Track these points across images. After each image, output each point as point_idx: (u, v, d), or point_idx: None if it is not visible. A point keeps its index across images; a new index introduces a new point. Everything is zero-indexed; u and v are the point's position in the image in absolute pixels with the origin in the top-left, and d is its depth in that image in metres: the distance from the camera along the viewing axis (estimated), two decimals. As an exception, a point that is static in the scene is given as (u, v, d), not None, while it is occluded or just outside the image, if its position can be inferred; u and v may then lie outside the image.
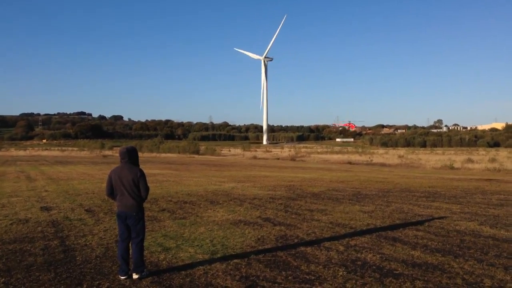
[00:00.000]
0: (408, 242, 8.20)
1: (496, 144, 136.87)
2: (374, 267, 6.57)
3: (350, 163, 50.94)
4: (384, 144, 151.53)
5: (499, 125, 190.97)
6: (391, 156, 63.11)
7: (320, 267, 6.55)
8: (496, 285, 5.80)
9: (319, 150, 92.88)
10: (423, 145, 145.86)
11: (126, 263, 6.01)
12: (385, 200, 14.38)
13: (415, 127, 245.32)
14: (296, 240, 8.33)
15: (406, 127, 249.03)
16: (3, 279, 5.93)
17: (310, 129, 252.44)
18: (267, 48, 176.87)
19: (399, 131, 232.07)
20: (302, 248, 7.68)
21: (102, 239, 8.37)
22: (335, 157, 63.74)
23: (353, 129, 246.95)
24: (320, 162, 54.82)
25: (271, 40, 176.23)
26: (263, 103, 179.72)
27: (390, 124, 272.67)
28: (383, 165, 47.22)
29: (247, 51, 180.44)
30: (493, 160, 47.13)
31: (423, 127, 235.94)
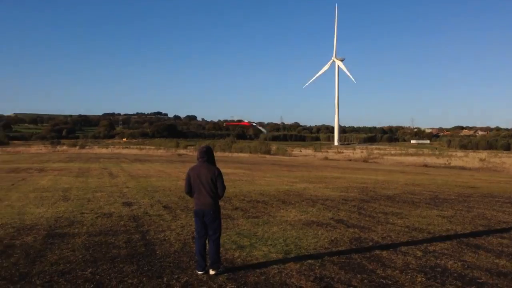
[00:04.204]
0: (492, 250, 7.75)
1: None
2: (455, 274, 6.28)
3: (426, 165, 48.95)
4: (463, 147, 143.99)
5: None
6: (471, 159, 59.86)
7: (397, 272, 6.36)
8: None
9: (392, 152, 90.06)
10: (507, 148, 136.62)
11: (203, 259, 6.19)
12: (465, 205, 13.69)
13: (497, 128, 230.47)
14: (370, 243, 8.15)
15: (488, 129, 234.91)
16: (90, 269, 6.32)
17: (383, 130, 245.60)
18: (333, 48, 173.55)
19: (480, 133, 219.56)
20: (377, 252, 7.50)
21: (180, 235, 8.67)
22: (410, 159, 61.62)
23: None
24: (394, 164, 53.21)
25: (334, 39, 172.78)
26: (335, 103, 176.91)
27: (470, 125, 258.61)
28: (462, 168, 44.97)
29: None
30: None
31: (506, 129, 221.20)
